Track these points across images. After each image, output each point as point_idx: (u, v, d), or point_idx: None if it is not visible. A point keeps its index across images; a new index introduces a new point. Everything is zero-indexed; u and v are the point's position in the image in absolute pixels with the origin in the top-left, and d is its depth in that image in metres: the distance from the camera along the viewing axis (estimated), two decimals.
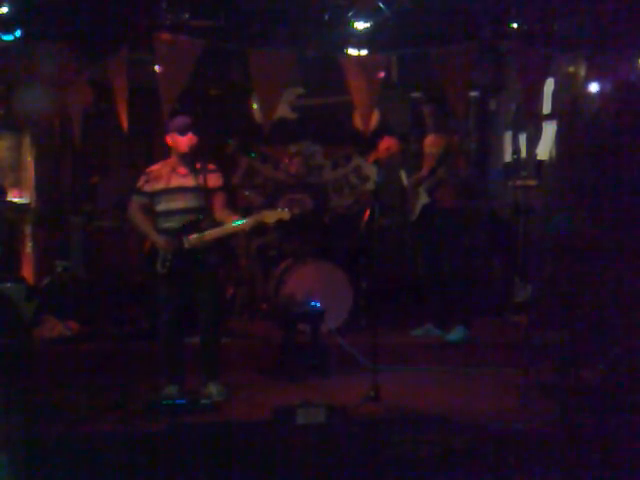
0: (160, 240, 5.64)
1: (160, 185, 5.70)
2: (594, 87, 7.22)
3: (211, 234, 5.65)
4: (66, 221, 8.47)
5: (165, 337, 5.75)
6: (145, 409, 5.30)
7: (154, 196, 5.73)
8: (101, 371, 6.06)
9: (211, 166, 5.82)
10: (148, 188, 5.73)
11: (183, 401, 5.42)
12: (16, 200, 8.18)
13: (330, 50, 6.99)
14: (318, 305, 6.69)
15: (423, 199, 7.09)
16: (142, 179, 5.78)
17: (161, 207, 5.72)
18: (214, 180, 5.76)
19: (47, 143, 8.43)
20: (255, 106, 8.62)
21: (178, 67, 6.11)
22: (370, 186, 9.22)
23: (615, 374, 5.44)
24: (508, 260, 8.58)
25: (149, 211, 5.79)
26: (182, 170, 5.73)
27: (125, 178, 7.93)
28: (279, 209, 5.86)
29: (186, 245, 5.61)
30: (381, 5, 6.86)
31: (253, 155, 9.28)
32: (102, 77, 6.54)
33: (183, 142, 5.69)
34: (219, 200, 5.76)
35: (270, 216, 5.72)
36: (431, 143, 7.18)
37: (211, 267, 5.75)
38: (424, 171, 7.14)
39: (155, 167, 5.83)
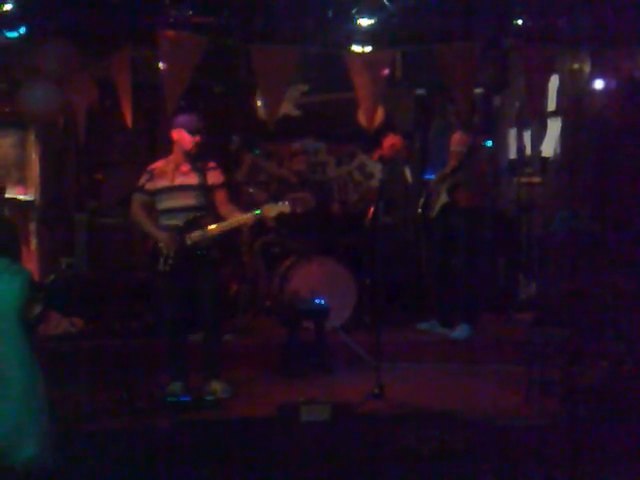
0: (163, 238, 5.64)
1: (163, 183, 5.71)
2: (598, 84, 7.21)
3: (214, 229, 5.66)
4: (70, 218, 8.47)
5: (168, 334, 5.76)
6: (149, 406, 5.31)
7: (156, 194, 5.73)
8: (105, 368, 6.06)
9: (211, 164, 5.83)
10: (150, 186, 5.73)
11: (187, 398, 5.43)
12: (20, 197, 8.19)
13: (334, 47, 6.98)
14: (322, 302, 6.69)
15: (443, 199, 7.09)
16: (144, 177, 5.78)
17: (163, 205, 5.72)
18: (214, 177, 5.77)
19: (51, 140, 8.43)
20: (259, 103, 8.61)
21: (182, 64, 6.12)
22: (374, 183, 9.21)
23: (618, 372, 5.44)
24: (512, 257, 8.58)
25: (151, 209, 5.79)
26: (184, 168, 5.74)
27: (129, 175, 7.93)
28: (279, 203, 5.86)
29: (188, 242, 5.62)
30: (385, 2, 6.85)
31: (257, 152, 9.28)
32: (106, 74, 6.55)
33: (190, 141, 5.70)
34: (221, 197, 5.77)
35: (271, 210, 5.73)
36: (457, 141, 7.13)
37: (212, 264, 5.76)
38: (448, 168, 7.12)
39: (157, 165, 5.84)
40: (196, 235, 5.64)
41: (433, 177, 7.35)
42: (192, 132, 5.69)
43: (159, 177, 5.72)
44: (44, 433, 1.78)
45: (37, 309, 1.91)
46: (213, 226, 5.67)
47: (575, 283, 6.06)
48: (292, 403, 5.08)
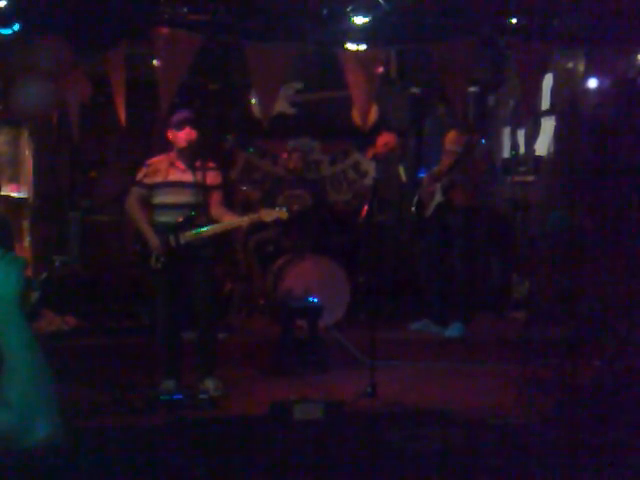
0: (153, 240, 5.60)
1: (158, 178, 5.70)
2: (593, 83, 7.22)
3: (208, 231, 5.65)
4: (64, 216, 8.46)
5: (162, 332, 5.74)
6: (143, 404, 5.30)
7: (153, 188, 5.71)
8: (99, 366, 6.05)
9: (211, 164, 5.82)
10: (148, 180, 5.71)
11: (180, 396, 5.42)
12: (14, 195, 8.17)
13: (329, 45, 6.98)
14: (316, 300, 6.68)
15: (438, 198, 7.09)
16: (142, 171, 5.76)
17: (158, 200, 5.71)
18: (213, 178, 5.76)
19: (45, 137, 8.41)
20: (254, 101, 8.61)
21: (176, 61, 6.12)
22: (368, 181, 9.21)
23: (612, 370, 5.45)
24: (506, 256, 8.58)
25: (147, 204, 5.77)
26: (181, 165, 5.72)
27: (123, 172, 7.92)
28: (277, 208, 5.86)
29: (182, 241, 5.61)
30: (380, 0, 6.84)
31: (251, 150, 9.28)
32: (100, 71, 6.54)
33: (181, 137, 5.68)
34: (216, 198, 5.76)
35: (268, 215, 5.73)
36: (452, 140, 7.12)
37: (207, 262, 5.75)
38: (442, 166, 7.11)
39: (155, 160, 5.81)
40: (190, 234, 5.62)
41: (422, 175, 7.36)
42: (180, 127, 5.66)
43: (156, 172, 5.71)
44: (55, 414, 1.79)
45: (34, 296, 1.91)
46: (208, 227, 5.65)
47: (569, 282, 6.07)
48: (285, 401, 5.08)
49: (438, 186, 7.08)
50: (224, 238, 7.22)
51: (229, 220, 5.75)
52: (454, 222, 7.05)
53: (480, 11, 7.19)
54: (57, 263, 7.56)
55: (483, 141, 7.56)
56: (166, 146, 5.87)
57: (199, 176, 5.69)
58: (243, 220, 5.74)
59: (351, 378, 6.01)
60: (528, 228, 8.25)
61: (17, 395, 1.73)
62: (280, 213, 5.72)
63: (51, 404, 1.75)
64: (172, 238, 5.61)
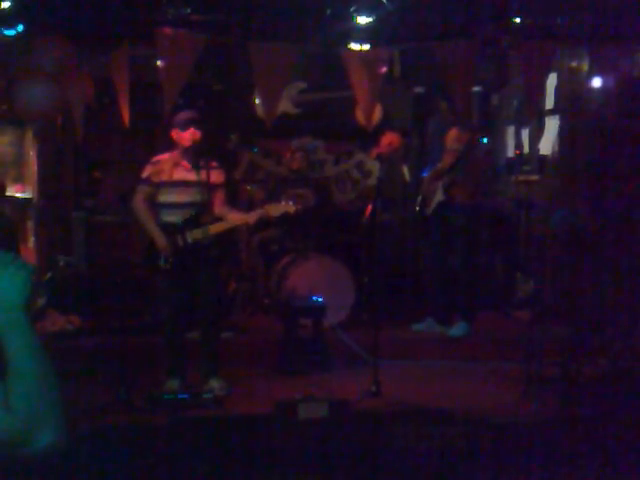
0: (160, 240, 5.60)
1: (163, 177, 5.70)
2: (597, 82, 7.21)
3: (216, 228, 5.66)
4: (68, 216, 8.47)
5: (167, 331, 5.75)
6: (147, 403, 5.31)
7: (159, 186, 5.71)
8: (103, 365, 6.06)
9: (214, 163, 5.82)
10: (155, 178, 5.71)
11: (185, 395, 5.42)
12: (18, 195, 8.18)
13: (332, 45, 6.98)
14: (320, 300, 6.69)
15: (439, 196, 7.08)
16: (148, 168, 5.74)
17: (162, 199, 5.71)
18: (216, 176, 5.76)
19: (49, 138, 8.42)
20: (257, 101, 8.61)
21: (180, 62, 6.12)
22: (372, 181, 9.21)
23: (616, 369, 5.44)
24: (510, 255, 8.58)
25: (153, 203, 5.76)
26: (185, 165, 5.73)
27: (127, 173, 7.93)
28: (284, 202, 5.86)
29: (189, 239, 5.61)
30: (383, 0, 6.85)
31: (255, 150, 9.28)
32: (104, 72, 6.55)
33: (185, 137, 5.69)
34: (219, 196, 5.77)
35: (275, 209, 5.73)
36: (453, 138, 7.12)
37: (213, 262, 5.75)
38: (444, 165, 7.11)
39: (160, 157, 5.80)
40: (197, 232, 5.63)
41: (425, 174, 7.36)
42: (184, 127, 5.67)
43: (160, 171, 5.71)
44: (60, 420, 1.79)
45: (40, 302, 1.94)
46: (215, 225, 5.66)
47: (573, 280, 6.07)
48: (290, 400, 5.08)
49: (440, 184, 7.08)
50: (229, 238, 7.23)
51: (236, 217, 5.75)
52: (455, 220, 7.06)
53: (483, 10, 7.19)
54: (61, 263, 7.57)
55: (485, 140, 7.56)
56: (170, 146, 5.87)
57: (203, 175, 5.70)
58: (250, 216, 5.75)
59: (355, 377, 6.01)
60: (532, 227, 8.24)
61: (21, 400, 1.73)
62: (287, 207, 5.71)
63: (56, 410, 1.75)
64: (179, 238, 5.62)
